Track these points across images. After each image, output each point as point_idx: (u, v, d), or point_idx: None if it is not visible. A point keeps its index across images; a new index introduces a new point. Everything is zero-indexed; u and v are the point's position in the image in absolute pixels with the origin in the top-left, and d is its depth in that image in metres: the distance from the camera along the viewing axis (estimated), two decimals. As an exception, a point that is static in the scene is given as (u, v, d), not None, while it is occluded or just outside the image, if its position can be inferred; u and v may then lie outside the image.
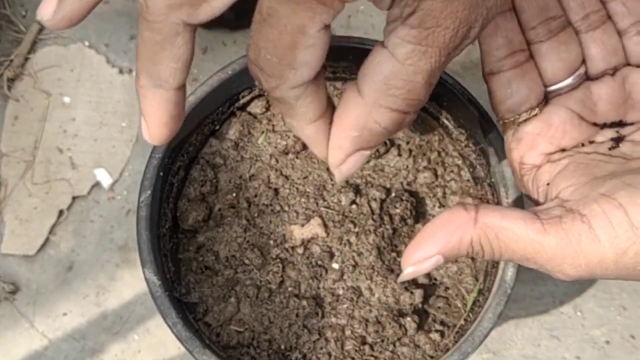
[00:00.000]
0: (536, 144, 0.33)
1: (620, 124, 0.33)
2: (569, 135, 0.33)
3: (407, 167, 0.45)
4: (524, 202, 0.41)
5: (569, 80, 0.33)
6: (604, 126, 0.33)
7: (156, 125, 0.27)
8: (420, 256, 0.28)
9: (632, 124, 0.33)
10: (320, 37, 0.23)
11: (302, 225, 0.44)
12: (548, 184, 0.31)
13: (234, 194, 0.45)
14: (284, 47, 0.23)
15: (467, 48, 0.28)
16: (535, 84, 0.33)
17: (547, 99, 0.34)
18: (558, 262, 0.27)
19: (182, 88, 0.26)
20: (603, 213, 0.26)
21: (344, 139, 0.25)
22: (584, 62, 0.34)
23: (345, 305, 0.42)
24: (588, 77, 0.34)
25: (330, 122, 0.26)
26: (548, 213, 0.28)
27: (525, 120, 0.33)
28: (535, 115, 0.33)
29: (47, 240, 0.59)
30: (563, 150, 0.33)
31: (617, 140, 0.32)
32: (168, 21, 0.24)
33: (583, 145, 0.33)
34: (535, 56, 0.33)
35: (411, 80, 0.23)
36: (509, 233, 0.27)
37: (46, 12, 0.26)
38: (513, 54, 0.33)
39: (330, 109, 0.26)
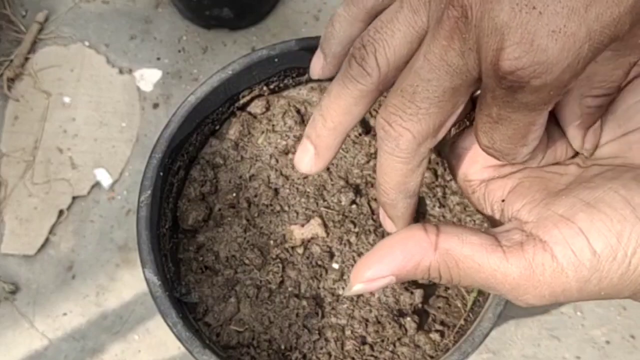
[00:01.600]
0: (476, 158, 0.32)
1: None
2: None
3: (407, 167, 0.45)
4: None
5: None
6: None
7: (404, 223, 0.32)
8: (372, 275, 0.27)
9: None
10: (546, 117, 0.26)
11: (302, 225, 0.44)
12: (503, 201, 0.30)
13: (234, 194, 0.45)
14: (518, 137, 0.26)
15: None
16: None
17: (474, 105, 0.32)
18: (521, 292, 0.26)
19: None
20: (564, 240, 0.25)
21: (574, 133, 0.29)
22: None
23: (345, 305, 0.42)
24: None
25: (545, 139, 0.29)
26: (509, 238, 0.27)
27: (460, 134, 0.32)
28: (466, 127, 0.32)
29: (47, 240, 0.59)
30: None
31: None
32: (418, 154, 0.28)
33: None
34: None
35: (612, 77, 0.27)
36: (470, 262, 0.26)
37: (306, 166, 0.31)
38: None
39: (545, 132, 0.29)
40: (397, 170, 0.29)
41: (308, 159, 0.31)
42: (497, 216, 0.31)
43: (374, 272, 0.27)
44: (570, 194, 0.27)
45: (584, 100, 0.27)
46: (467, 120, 0.32)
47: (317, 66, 0.33)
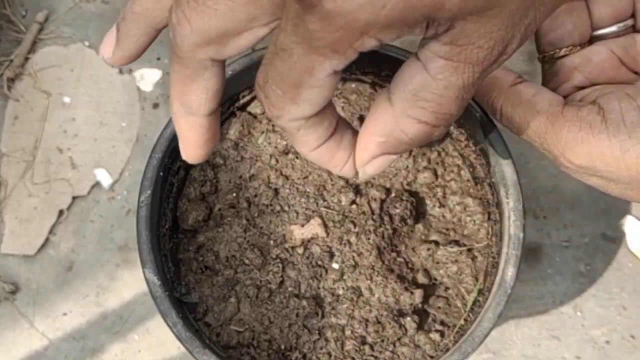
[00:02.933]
0: (572, 77, 0.33)
1: None
2: (606, 75, 0.33)
3: (407, 167, 0.45)
4: (524, 203, 0.41)
5: (614, 28, 0.33)
6: None
7: (191, 147, 0.28)
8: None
9: None
10: (327, 81, 0.23)
11: (302, 225, 0.44)
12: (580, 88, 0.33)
13: (234, 194, 0.45)
14: (290, 83, 0.23)
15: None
16: (581, 22, 0.33)
17: (590, 42, 0.34)
18: (563, 146, 0.28)
19: (213, 114, 0.27)
20: (619, 110, 0.27)
21: (370, 142, 0.26)
22: (633, 16, 0.34)
23: (345, 305, 0.42)
24: (635, 30, 0.34)
25: (337, 142, 0.27)
26: (572, 100, 0.30)
27: (564, 56, 0.33)
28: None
29: (47, 240, 0.59)
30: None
31: None
32: (196, 58, 0.24)
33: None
34: None
35: (442, 94, 0.23)
36: (531, 106, 0.30)
37: (105, 51, 0.28)
38: None
39: (341, 130, 0.27)
40: (176, 73, 0.26)
41: (109, 44, 0.28)
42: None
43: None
44: None
45: (402, 120, 0.25)
46: (579, 47, 0.34)
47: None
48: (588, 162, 0.28)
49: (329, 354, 0.42)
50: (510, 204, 0.41)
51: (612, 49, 0.33)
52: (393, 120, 0.24)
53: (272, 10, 0.23)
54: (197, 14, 0.23)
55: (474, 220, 0.45)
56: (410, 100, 0.23)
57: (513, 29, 0.22)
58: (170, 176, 0.44)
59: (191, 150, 0.28)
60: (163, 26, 0.27)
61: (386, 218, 0.44)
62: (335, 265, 0.43)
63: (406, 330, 0.42)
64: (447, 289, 0.44)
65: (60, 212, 0.60)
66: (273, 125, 0.46)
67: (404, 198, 0.44)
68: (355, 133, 0.27)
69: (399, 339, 0.42)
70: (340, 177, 0.45)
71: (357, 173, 0.27)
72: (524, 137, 0.32)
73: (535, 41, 0.35)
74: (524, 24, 0.22)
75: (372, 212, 0.44)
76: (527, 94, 0.30)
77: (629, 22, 0.34)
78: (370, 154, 0.26)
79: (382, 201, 0.44)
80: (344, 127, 0.27)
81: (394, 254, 0.44)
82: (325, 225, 0.43)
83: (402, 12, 0.20)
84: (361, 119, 0.46)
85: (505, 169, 0.42)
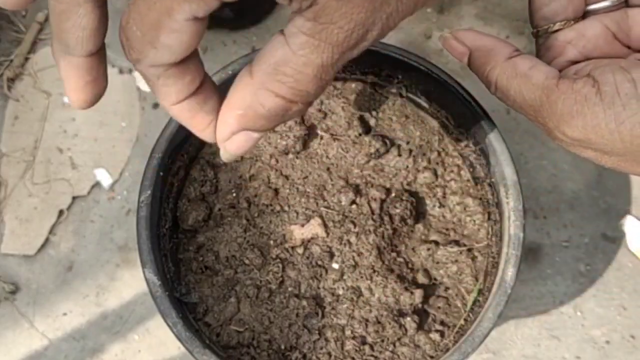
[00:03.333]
0: (565, 51, 0.33)
1: None
2: (599, 50, 0.33)
3: (407, 167, 0.45)
4: (524, 203, 0.41)
5: (607, 2, 0.34)
6: (637, 51, 0.33)
7: (72, 90, 0.27)
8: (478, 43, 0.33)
9: None
10: (188, 26, 0.23)
11: (302, 225, 0.44)
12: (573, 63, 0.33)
13: (234, 194, 0.45)
14: (149, 24, 0.23)
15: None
16: None
17: (584, 17, 0.34)
18: (557, 118, 0.29)
19: (95, 55, 0.26)
20: (614, 82, 0.27)
21: (229, 116, 0.26)
22: None
23: (345, 305, 0.42)
24: (628, 5, 0.34)
25: (203, 106, 0.26)
26: (566, 73, 0.30)
27: (558, 30, 0.34)
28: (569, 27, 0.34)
29: (47, 240, 0.59)
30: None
31: None
32: None
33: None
34: None
35: (300, 71, 0.23)
36: (526, 79, 0.30)
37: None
38: None
39: (207, 92, 0.26)
40: (51, 7, 0.25)
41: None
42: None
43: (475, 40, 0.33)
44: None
45: (260, 92, 0.25)
46: (573, 22, 0.34)
47: None
48: (583, 134, 0.28)
49: (329, 354, 0.42)
50: (510, 204, 0.41)
51: (606, 23, 0.33)
52: (252, 92, 0.24)
53: None
54: None
55: (474, 220, 0.45)
56: (270, 74, 0.24)
57: (373, 15, 0.23)
58: (170, 176, 0.44)
59: (73, 94, 0.28)
60: None
61: (386, 218, 0.44)
62: (335, 265, 0.43)
63: (406, 330, 0.42)
64: (447, 289, 0.44)
65: (60, 212, 0.60)
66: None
67: (404, 198, 0.44)
68: (221, 102, 0.27)
69: (399, 339, 0.42)
70: (340, 177, 0.45)
71: (214, 135, 0.27)
72: (518, 109, 0.32)
73: (529, 15, 0.35)
74: (385, 12, 0.23)
75: (372, 212, 0.44)
76: (523, 67, 0.31)
77: None
78: (230, 128, 0.26)
79: (382, 201, 0.44)
80: (211, 91, 0.26)
81: (394, 254, 0.44)
82: (325, 225, 0.43)
83: None
84: (361, 119, 0.46)
85: (505, 169, 0.42)
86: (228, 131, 0.26)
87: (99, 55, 0.27)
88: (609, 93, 0.27)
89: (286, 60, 0.23)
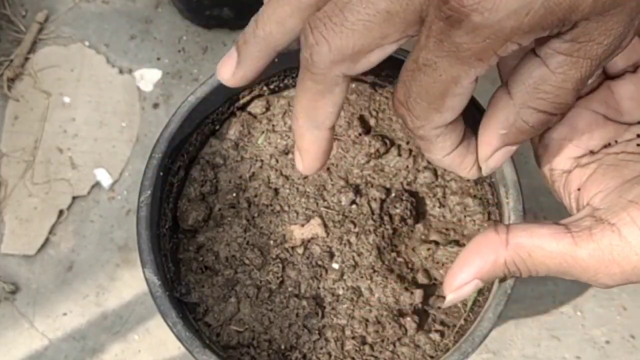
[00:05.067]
0: (563, 149, 0.33)
1: None
2: (596, 137, 0.33)
3: (407, 167, 0.45)
4: (524, 203, 0.41)
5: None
6: (631, 125, 0.33)
7: (311, 159, 0.30)
8: (459, 283, 0.30)
9: None
10: (469, 87, 0.25)
11: (302, 225, 0.44)
12: (579, 189, 0.32)
13: (234, 194, 0.45)
14: (435, 95, 0.25)
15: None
16: None
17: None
18: (592, 273, 0.28)
19: (333, 127, 0.29)
20: (632, 221, 0.27)
21: (492, 136, 0.28)
22: None
23: (345, 305, 0.42)
24: (607, 77, 0.34)
25: (466, 147, 0.29)
26: (578, 225, 0.29)
27: (549, 128, 0.33)
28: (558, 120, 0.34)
29: (47, 240, 0.59)
30: (592, 152, 0.33)
31: None
32: (330, 74, 0.26)
33: (611, 145, 0.33)
34: None
35: (560, 86, 0.25)
36: (541, 251, 0.29)
37: (224, 72, 0.29)
38: None
39: (468, 135, 0.29)
40: (307, 89, 0.27)
41: (229, 66, 0.29)
42: (573, 205, 0.32)
43: (459, 280, 0.30)
44: None
45: (523, 111, 0.26)
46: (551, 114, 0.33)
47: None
48: (623, 279, 0.28)
49: (329, 354, 0.42)
50: (510, 204, 0.41)
51: (593, 108, 0.33)
52: (514, 112, 0.26)
53: (403, 28, 0.25)
54: (335, 34, 0.25)
55: (474, 220, 0.45)
56: (530, 93, 0.26)
57: (629, 26, 0.24)
58: (170, 176, 0.44)
59: (309, 163, 0.30)
60: (283, 48, 0.29)
61: (386, 218, 0.44)
62: (335, 265, 0.43)
63: (406, 330, 0.42)
64: (447, 289, 0.44)
65: (60, 212, 0.60)
66: (273, 125, 0.46)
67: (404, 198, 0.44)
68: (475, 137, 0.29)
69: (399, 339, 0.42)
70: (340, 177, 0.45)
71: (479, 169, 0.29)
72: (546, 275, 0.31)
73: None
74: (638, 19, 0.24)
75: (372, 212, 0.44)
76: (528, 245, 0.29)
77: (598, 70, 0.34)
78: (492, 147, 0.28)
79: (382, 201, 0.44)
80: (468, 131, 0.29)
81: (394, 254, 0.44)
82: (325, 225, 0.43)
83: (542, 17, 0.22)
84: (361, 119, 0.46)
85: (505, 169, 0.42)
86: (491, 150, 0.28)
87: (334, 127, 0.30)
88: (631, 233, 0.27)
89: (545, 79, 0.25)
